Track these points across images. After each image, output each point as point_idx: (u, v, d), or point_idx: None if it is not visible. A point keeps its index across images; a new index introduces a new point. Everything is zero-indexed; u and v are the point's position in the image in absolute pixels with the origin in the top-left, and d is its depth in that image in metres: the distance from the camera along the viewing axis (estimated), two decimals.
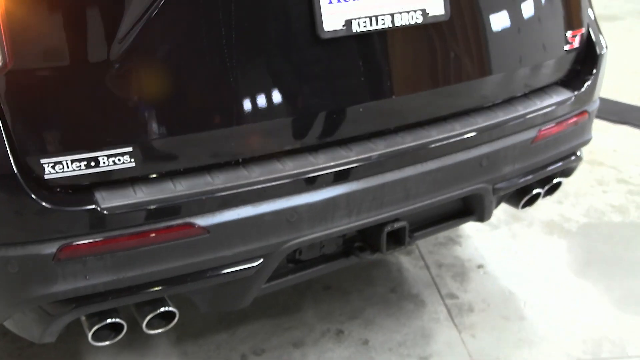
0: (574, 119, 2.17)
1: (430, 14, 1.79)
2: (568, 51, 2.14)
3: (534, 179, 2.18)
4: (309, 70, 1.70)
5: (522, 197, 2.26)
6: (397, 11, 1.73)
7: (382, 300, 2.58)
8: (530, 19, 2.01)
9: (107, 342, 1.73)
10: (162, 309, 1.73)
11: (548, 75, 2.15)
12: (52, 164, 1.46)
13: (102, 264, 1.55)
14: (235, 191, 1.61)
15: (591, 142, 2.34)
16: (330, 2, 1.66)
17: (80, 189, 1.52)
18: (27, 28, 1.40)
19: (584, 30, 2.17)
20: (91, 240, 1.52)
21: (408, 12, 1.75)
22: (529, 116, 2.03)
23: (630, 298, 2.59)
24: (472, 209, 2.17)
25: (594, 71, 2.20)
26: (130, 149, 1.52)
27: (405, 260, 2.82)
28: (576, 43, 2.15)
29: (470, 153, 1.94)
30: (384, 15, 1.72)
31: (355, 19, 1.69)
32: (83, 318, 1.69)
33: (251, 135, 1.68)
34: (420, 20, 1.77)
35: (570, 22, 2.12)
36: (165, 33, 1.53)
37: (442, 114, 1.95)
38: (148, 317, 1.72)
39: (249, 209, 1.64)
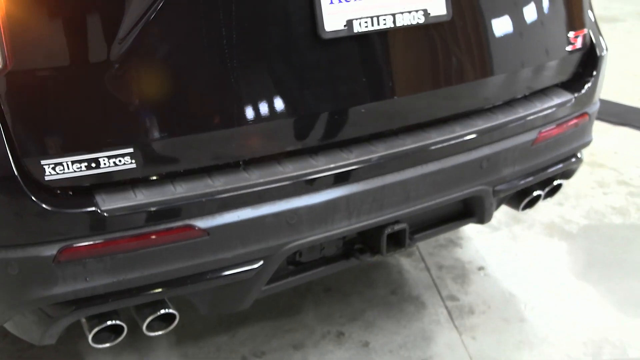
0: (575, 121, 2.17)
1: (431, 14, 1.78)
2: (570, 52, 2.14)
3: (535, 180, 2.18)
4: (309, 71, 1.70)
5: (522, 199, 2.26)
6: (398, 11, 1.73)
7: (383, 302, 2.57)
8: (532, 19, 2.01)
9: (107, 344, 1.73)
10: (162, 311, 1.72)
11: (549, 77, 2.15)
12: (53, 165, 1.46)
13: (102, 266, 1.54)
14: (235, 193, 1.61)
15: (592, 144, 2.34)
16: (332, 2, 1.65)
17: (80, 191, 1.52)
18: (27, 29, 1.40)
19: (586, 30, 2.17)
20: (91, 243, 1.52)
21: (409, 12, 1.75)
22: (529, 118, 2.03)
23: (631, 300, 2.59)
24: (473, 211, 2.17)
25: (594, 73, 2.20)
26: (131, 150, 1.52)
27: (405, 262, 2.82)
28: (578, 44, 2.15)
29: (470, 155, 1.93)
30: (385, 15, 1.72)
31: (356, 19, 1.68)
32: (83, 320, 1.69)
33: (251, 137, 1.68)
34: (421, 20, 1.77)
35: (572, 22, 2.12)
36: (165, 34, 1.53)
37: (443, 116, 1.95)
38: (148, 319, 1.72)
39: (249, 211, 1.64)
